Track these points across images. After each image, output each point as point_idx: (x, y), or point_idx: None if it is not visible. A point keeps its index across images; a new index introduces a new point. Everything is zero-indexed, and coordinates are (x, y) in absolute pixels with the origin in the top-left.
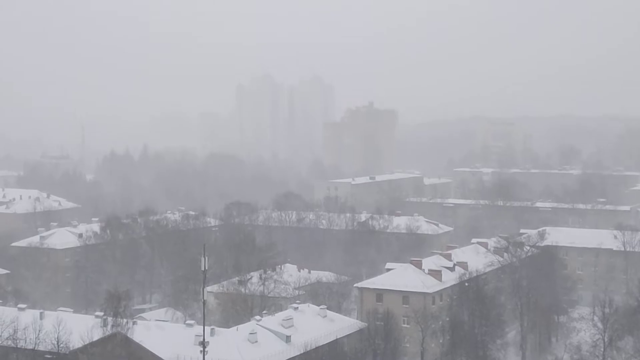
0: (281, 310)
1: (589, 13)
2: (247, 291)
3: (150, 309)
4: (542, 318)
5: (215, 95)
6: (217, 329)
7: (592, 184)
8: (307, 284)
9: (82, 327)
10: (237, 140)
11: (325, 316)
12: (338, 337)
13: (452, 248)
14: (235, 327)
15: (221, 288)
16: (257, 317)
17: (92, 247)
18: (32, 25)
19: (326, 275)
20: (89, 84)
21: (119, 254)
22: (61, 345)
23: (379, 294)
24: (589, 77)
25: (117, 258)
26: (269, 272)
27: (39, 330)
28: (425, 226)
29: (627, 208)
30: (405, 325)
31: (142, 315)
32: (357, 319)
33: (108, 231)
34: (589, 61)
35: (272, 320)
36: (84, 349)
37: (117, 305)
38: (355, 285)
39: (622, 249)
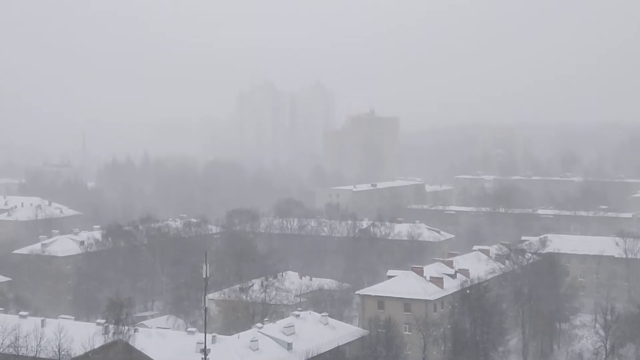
0: (282, 318)
1: (588, 13)
2: (248, 298)
3: (152, 317)
4: (544, 325)
5: (215, 99)
6: (218, 336)
7: (593, 191)
8: (308, 291)
9: (83, 335)
10: (238, 146)
11: (327, 323)
12: (340, 344)
13: (454, 255)
14: (236, 335)
15: (222, 295)
16: (259, 325)
17: (94, 254)
18: (31, 27)
19: (328, 283)
20: (88, 87)
21: (120, 261)
22: (62, 352)
23: (381, 301)
24: (589, 83)
25: (119, 265)
26: (271, 279)
27: (40, 338)
28: (426, 233)
29: (628, 215)
30: (407, 333)
31: (143, 322)
32: (358, 326)
33: (109, 238)
34: (588, 65)
35: (274, 328)
36: (86, 356)
37: (118, 312)
38: (356, 292)
39: (624, 256)
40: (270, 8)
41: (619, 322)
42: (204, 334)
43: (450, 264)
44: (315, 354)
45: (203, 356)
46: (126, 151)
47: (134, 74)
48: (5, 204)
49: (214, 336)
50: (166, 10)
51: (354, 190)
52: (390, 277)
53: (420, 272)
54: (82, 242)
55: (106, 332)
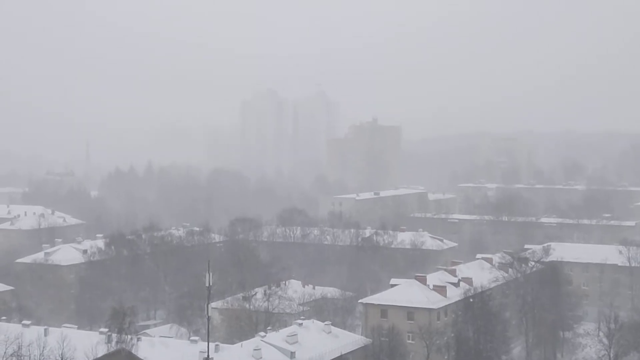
0: (286, 326)
1: (591, 18)
2: (251, 307)
3: (155, 325)
4: (548, 334)
5: (218, 106)
6: (221, 345)
7: (596, 200)
8: (311, 299)
9: (86, 344)
10: (241, 155)
11: (330, 332)
12: (343, 353)
13: (457, 264)
14: (239, 343)
15: (225, 304)
16: (262, 333)
17: (97, 263)
18: (32, 32)
19: (331, 291)
20: (90, 92)
21: (123, 270)
22: None
23: (384, 309)
24: (591, 91)
25: (122, 274)
26: (274, 288)
27: (43, 347)
28: (429, 242)
29: (632, 223)
30: (410, 341)
31: (146, 331)
32: (361, 334)
33: (112, 247)
34: (590, 73)
35: (277, 337)
36: None
37: (121, 321)
38: (359, 301)
39: (628, 264)
40: (271, 14)
41: (623, 331)
42: (207, 343)
43: (453, 273)
44: None
45: None
46: (129, 159)
47: (135, 79)
48: (9, 212)
49: (217, 345)
50: (167, 15)
51: (357, 198)
52: (393, 285)
53: (423, 281)
54: (85, 251)
55: (109, 341)
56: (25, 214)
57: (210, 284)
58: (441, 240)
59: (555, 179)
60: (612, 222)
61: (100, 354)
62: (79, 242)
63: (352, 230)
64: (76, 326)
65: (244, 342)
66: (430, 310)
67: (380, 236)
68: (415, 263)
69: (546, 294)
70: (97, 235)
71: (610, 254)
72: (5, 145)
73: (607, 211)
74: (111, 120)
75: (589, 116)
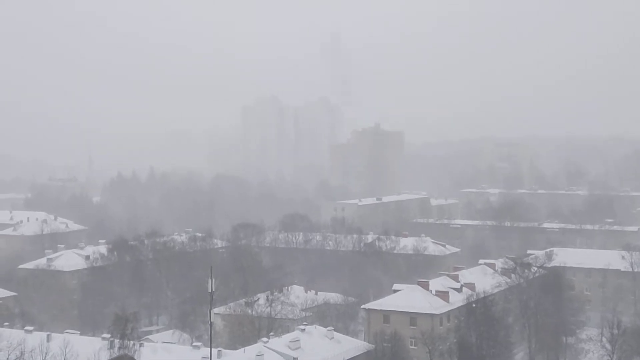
0: (288, 332)
1: (592, 21)
2: (254, 313)
3: (157, 331)
4: (550, 339)
5: (220, 111)
6: (224, 350)
7: (599, 205)
8: (314, 305)
9: (89, 350)
10: (243, 160)
11: (332, 338)
12: (345, 358)
13: (460, 269)
14: (242, 349)
15: (228, 310)
16: (264, 339)
17: (99, 269)
18: (34, 37)
19: (333, 297)
20: (92, 96)
21: (126, 276)
22: None
23: (386, 315)
24: (593, 95)
25: (124, 280)
26: (276, 293)
27: (46, 353)
28: (432, 247)
29: (634, 229)
30: (412, 347)
31: (149, 337)
32: (364, 340)
33: (115, 253)
34: (592, 78)
35: (279, 342)
36: None
37: (124, 327)
38: (362, 306)
39: (630, 269)
40: (271, 17)
41: (626, 336)
42: (209, 349)
43: (456, 278)
44: None
45: None
46: (131, 164)
47: (137, 84)
48: (11, 218)
49: (219, 351)
50: (170, 21)
51: (360, 204)
52: (395, 291)
53: (425, 286)
54: (87, 257)
55: (112, 346)
56: (28, 220)
57: (213, 290)
58: (444, 246)
59: (557, 184)
60: (615, 228)
61: None
62: (82, 248)
63: (355, 235)
64: (79, 332)
65: (247, 348)
66: (432, 315)
67: (383, 241)
68: (418, 268)
69: (549, 299)
70: (100, 241)
71: (612, 259)
72: (7, 150)
73: (609, 216)
74: (113, 126)
75: (591, 120)
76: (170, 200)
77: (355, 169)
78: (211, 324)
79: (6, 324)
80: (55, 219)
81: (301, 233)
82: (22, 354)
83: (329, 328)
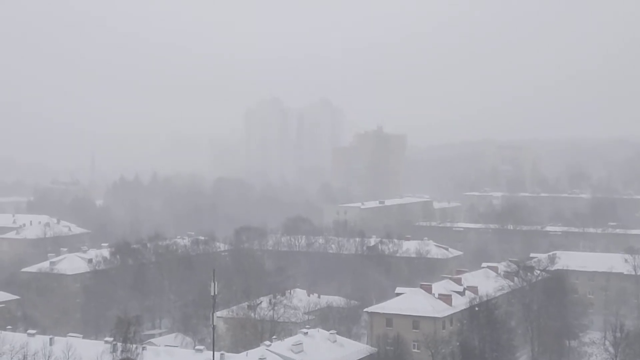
0: (291, 335)
1: (593, 22)
2: (256, 316)
3: (160, 334)
4: (553, 342)
5: (222, 114)
6: (226, 354)
7: (602, 208)
8: (316, 308)
9: (91, 353)
10: (245, 163)
11: (335, 341)
12: None
13: (462, 272)
14: (244, 353)
15: (231, 313)
16: (267, 342)
17: (102, 272)
18: (36, 39)
19: (336, 300)
20: (93, 97)
21: (128, 279)
22: None
23: (389, 318)
24: (594, 98)
25: (127, 283)
26: (279, 297)
27: (49, 356)
28: (434, 250)
29: (637, 232)
30: (415, 350)
31: (151, 340)
32: (367, 343)
33: (118, 256)
34: (593, 80)
35: (282, 346)
36: None
37: (126, 330)
38: (365, 309)
39: (633, 272)
40: (272, 19)
41: (629, 339)
42: (212, 352)
43: (458, 281)
44: None
45: None
46: (134, 167)
47: (140, 87)
48: (14, 222)
49: (222, 354)
50: (172, 23)
51: (362, 207)
52: (398, 294)
53: (428, 290)
54: (90, 260)
55: (114, 350)
56: (31, 223)
57: (216, 293)
58: (446, 249)
59: (560, 187)
60: (618, 231)
61: None
62: (84, 251)
63: (357, 239)
64: (81, 335)
65: (249, 351)
66: (435, 319)
67: (386, 245)
68: (421, 272)
69: (552, 302)
70: (102, 244)
71: (616, 262)
72: (10, 154)
73: (612, 219)
74: (113, 126)
75: (592, 120)
76: (173, 203)
77: (357, 172)
78: (214, 328)
79: (9, 327)
80: (58, 222)
81: (304, 236)
82: (24, 357)
83: (331, 331)
